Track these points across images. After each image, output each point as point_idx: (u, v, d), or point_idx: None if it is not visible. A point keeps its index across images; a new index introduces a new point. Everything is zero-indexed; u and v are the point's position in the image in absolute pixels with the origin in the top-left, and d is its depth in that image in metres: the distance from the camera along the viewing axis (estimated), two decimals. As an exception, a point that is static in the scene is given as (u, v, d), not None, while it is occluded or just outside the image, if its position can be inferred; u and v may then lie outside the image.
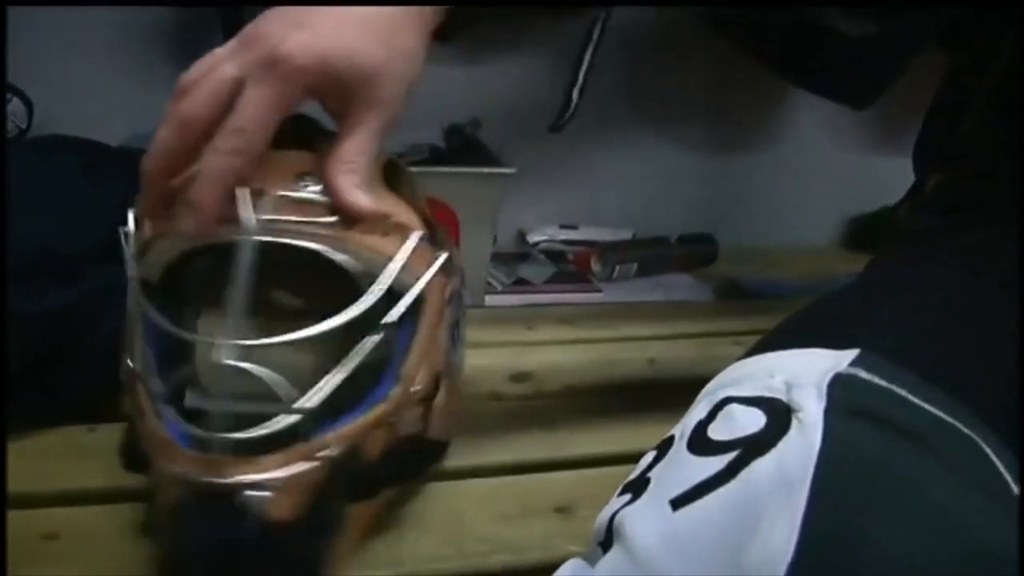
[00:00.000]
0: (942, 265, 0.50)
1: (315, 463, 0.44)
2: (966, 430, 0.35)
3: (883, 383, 0.37)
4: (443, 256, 0.50)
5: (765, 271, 1.17)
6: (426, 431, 0.53)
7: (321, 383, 0.45)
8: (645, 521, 0.36)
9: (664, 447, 0.42)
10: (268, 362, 0.45)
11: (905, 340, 0.41)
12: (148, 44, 1.05)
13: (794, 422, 0.35)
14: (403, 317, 0.47)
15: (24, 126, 0.92)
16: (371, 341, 0.46)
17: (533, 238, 1.14)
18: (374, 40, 0.46)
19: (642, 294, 1.05)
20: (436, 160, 0.96)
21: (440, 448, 0.59)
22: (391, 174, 0.53)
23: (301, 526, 0.44)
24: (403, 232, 0.48)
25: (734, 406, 0.39)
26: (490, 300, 0.94)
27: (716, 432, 0.38)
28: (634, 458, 0.65)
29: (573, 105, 0.80)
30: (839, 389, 0.36)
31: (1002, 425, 0.36)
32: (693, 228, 1.19)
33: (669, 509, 0.36)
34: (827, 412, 0.35)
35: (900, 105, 1.13)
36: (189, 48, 1.07)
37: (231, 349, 0.42)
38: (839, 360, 0.38)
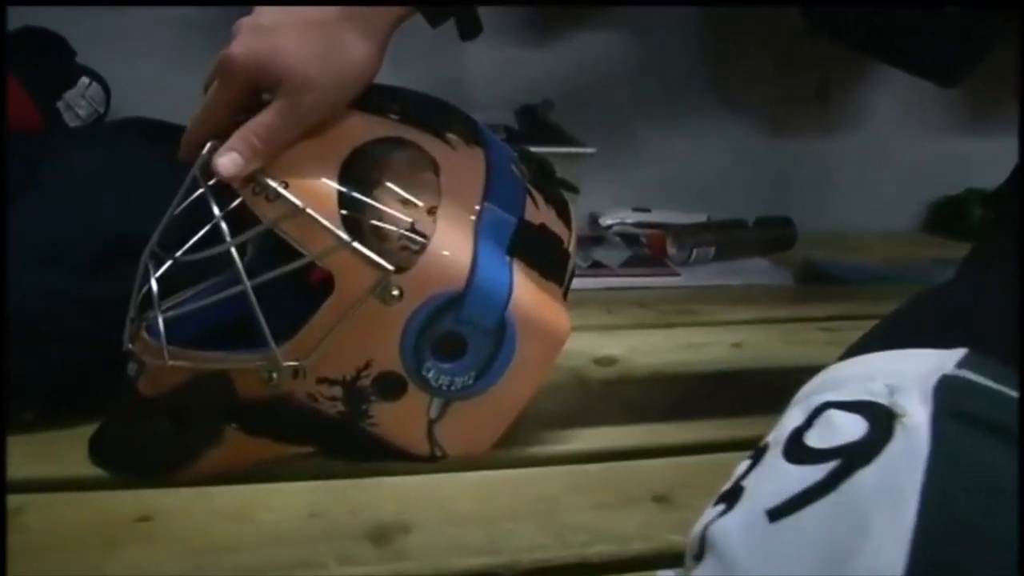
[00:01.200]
0: None
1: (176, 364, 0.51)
2: None
3: (993, 385, 0.34)
4: (366, 251, 0.49)
5: (844, 255, 1.12)
6: (354, 417, 0.54)
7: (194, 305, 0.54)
8: (740, 533, 0.34)
9: (758, 454, 0.39)
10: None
11: (1015, 339, 0.38)
12: (222, 31, 1.05)
13: (898, 428, 0.33)
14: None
15: (102, 110, 0.93)
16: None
17: (606, 221, 1.11)
18: (313, 47, 0.50)
19: (720, 278, 1.01)
20: (511, 141, 0.94)
21: (380, 445, 0.56)
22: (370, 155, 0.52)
23: (160, 406, 0.53)
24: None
25: (832, 412, 0.36)
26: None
27: (814, 439, 0.36)
28: (726, 447, 0.63)
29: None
30: (945, 392, 0.34)
31: None
32: (767, 212, 1.15)
33: (766, 520, 0.33)
34: (934, 417, 0.33)
35: (984, 85, 1.08)
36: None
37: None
38: (944, 361, 0.35)
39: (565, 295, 0.58)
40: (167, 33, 1.03)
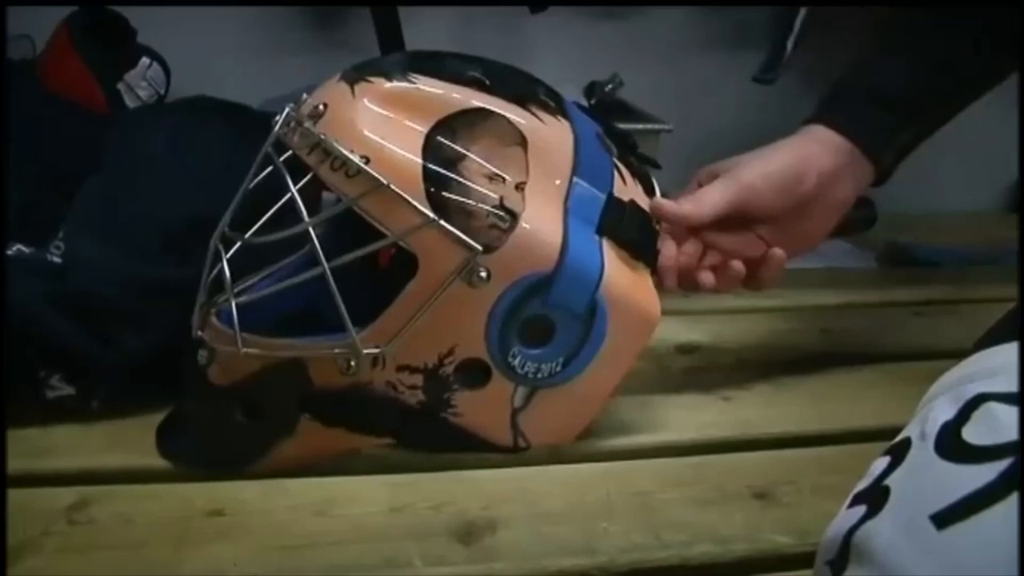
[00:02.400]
0: None
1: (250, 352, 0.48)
2: None
3: None
4: (453, 230, 0.46)
5: (926, 237, 1.06)
6: (436, 407, 0.51)
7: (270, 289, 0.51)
8: (901, 540, 0.30)
9: (900, 451, 0.35)
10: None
11: None
12: (283, 13, 1.03)
13: None
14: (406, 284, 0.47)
15: (163, 91, 0.91)
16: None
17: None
18: None
19: (801, 260, 0.96)
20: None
21: (461, 435, 0.53)
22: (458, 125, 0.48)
23: (232, 396, 0.51)
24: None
25: (993, 404, 0.33)
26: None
27: (974, 435, 0.32)
28: (824, 440, 0.59)
29: (787, 55, 0.72)
30: None
31: None
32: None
33: (932, 527, 0.29)
34: None
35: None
36: (318, 21, 1.04)
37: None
38: None
39: (654, 275, 0.55)
40: (227, 14, 1.02)
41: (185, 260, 0.57)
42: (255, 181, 0.50)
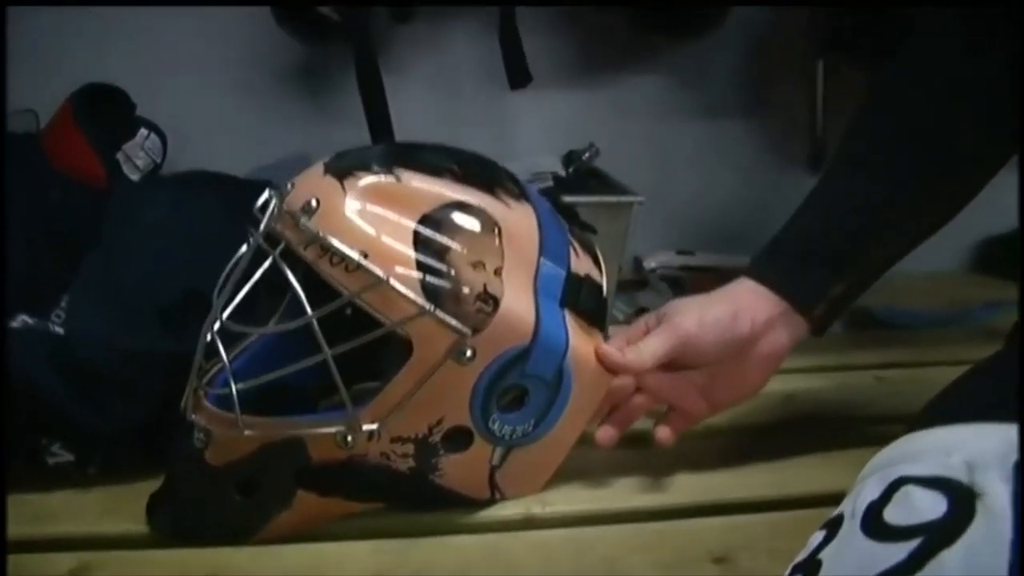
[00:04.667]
0: None
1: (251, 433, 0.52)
2: None
3: None
4: (446, 317, 0.50)
5: (893, 299, 1.11)
6: (424, 472, 0.55)
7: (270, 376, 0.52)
8: None
9: (834, 526, 0.39)
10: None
11: None
12: (272, 84, 1.08)
13: (979, 508, 0.34)
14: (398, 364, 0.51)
15: (159, 160, 0.95)
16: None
17: (650, 264, 1.11)
18: None
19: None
20: (559, 189, 0.95)
21: (445, 494, 0.57)
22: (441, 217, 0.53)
23: (230, 476, 0.54)
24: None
25: (911, 487, 0.37)
26: (613, 331, 0.92)
27: (893, 516, 0.36)
28: (783, 505, 0.62)
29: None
30: None
31: None
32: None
33: None
34: (1016, 499, 0.33)
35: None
36: (306, 90, 1.09)
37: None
38: (1013, 433, 0.35)
39: (605, 339, 0.60)
40: (217, 83, 1.07)
41: (182, 333, 0.61)
42: (240, 270, 0.54)
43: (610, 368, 0.57)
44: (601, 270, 0.61)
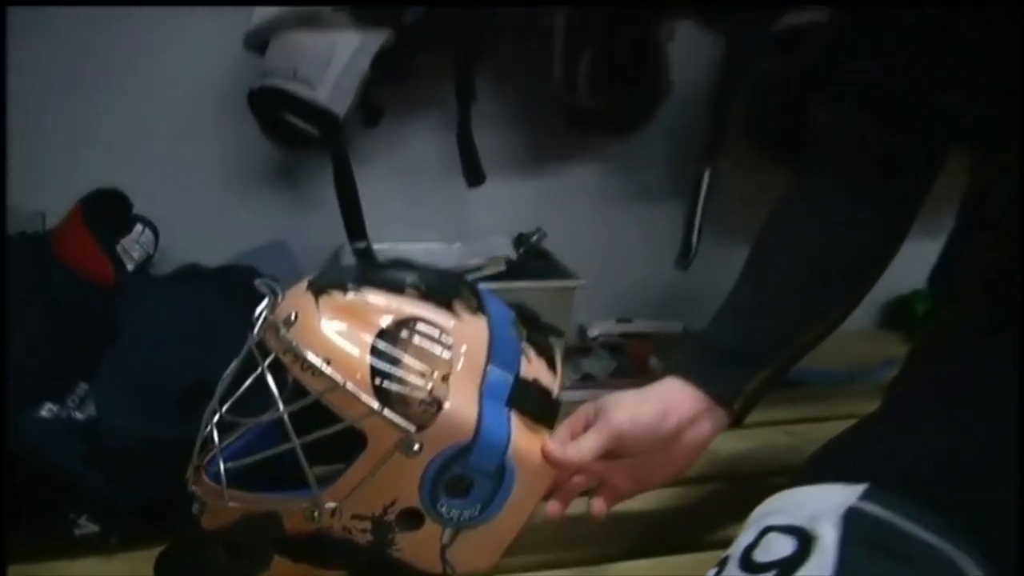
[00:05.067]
0: (953, 399, 0.59)
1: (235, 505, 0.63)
2: (953, 553, 0.45)
3: (886, 514, 0.47)
4: (394, 416, 0.60)
5: (808, 357, 1.25)
6: (382, 545, 0.64)
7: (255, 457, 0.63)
8: None
9: (722, 564, 0.52)
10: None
11: (911, 474, 0.52)
12: (251, 178, 1.20)
13: (815, 549, 0.46)
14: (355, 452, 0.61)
15: (152, 252, 1.05)
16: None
17: (592, 332, 1.24)
18: None
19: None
20: (512, 271, 1.08)
21: (402, 567, 0.66)
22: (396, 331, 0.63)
23: (219, 538, 0.65)
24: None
25: (773, 534, 0.50)
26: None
27: (759, 555, 0.49)
28: (703, 547, 0.75)
29: (694, 248, 0.86)
30: (850, 520, 0.47)
31: (995, 542, 0.46)
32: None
33: None
34: (841, 542, 0.46)
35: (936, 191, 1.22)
36: (282, 181, 1.21)
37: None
38: (852, 494, 0.49)
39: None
40: (205, 178, 1.18)
41: (192, 419, 0.72)
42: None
43: (554, 464, 0.66)
44: (556, 373, 0.70)
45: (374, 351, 0.61)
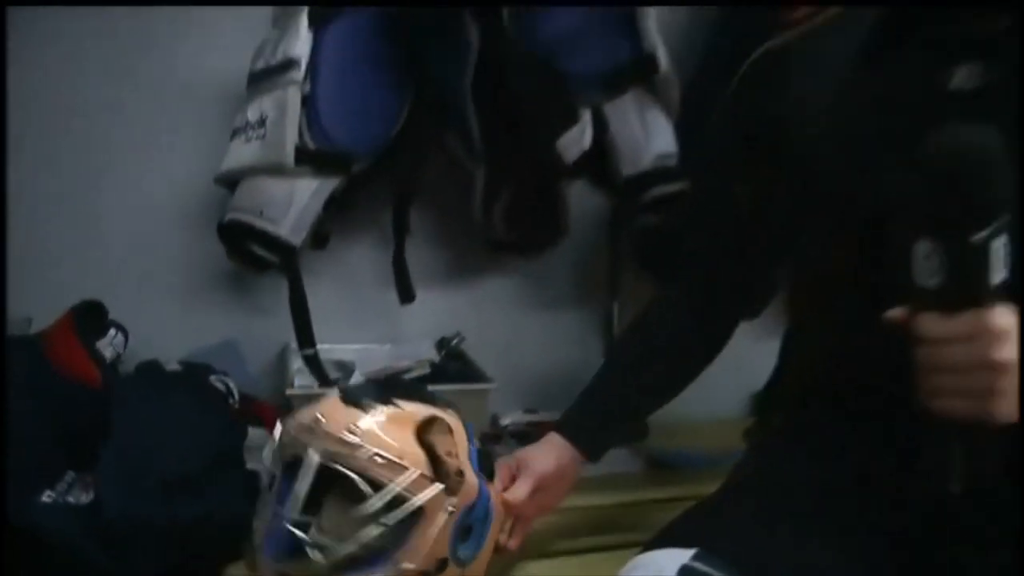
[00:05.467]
0: (769, 486, 0.83)
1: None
2: None
3: (710, 570, 0.69)
4: (439, 487, 0.82)
5: (686, 443, 1.47)
6: None
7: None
8: None
9: None
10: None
11: (732, 541, 0.73)
12: (203, 289, 1.38)
13: None
14: (406, 520, 0.80)
15: (122, 351, 1.22)
16: (373, 531, 0.79)
17: (504, 421, 1.44)
18: None
19: (590, 469, 1.35)
20: (436, 373, 1.28)
21: None
22: (428, 427, 0.85)
23: None
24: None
25: None
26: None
27: None
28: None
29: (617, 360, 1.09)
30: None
31: None
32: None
33: None
34: None
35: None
36: (235, 291, 1.39)
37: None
38: (686, 555, 0.71)
39: None
40: (167, 285, 1.36)
41: (178, 503, 0.90)
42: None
43: (509, 506, 0.91)
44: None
45: (422, 443, 0.83)
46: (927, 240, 0.61)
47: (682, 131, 1.17)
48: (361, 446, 0.80)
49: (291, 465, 0.83)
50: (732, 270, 0.99)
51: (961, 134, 0.61)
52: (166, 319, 1.35)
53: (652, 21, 1.12)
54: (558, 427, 1.01)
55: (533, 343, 1.53)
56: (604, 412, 1.02)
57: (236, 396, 1.22)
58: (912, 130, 0.62)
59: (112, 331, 1.20)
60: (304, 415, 0.83)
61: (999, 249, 0.60)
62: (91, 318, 1.16)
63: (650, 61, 1.11)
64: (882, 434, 0.78)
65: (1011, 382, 0.61)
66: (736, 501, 0.84)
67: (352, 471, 0.79)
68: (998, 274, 0.60)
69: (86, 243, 1.32)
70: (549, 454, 0.98)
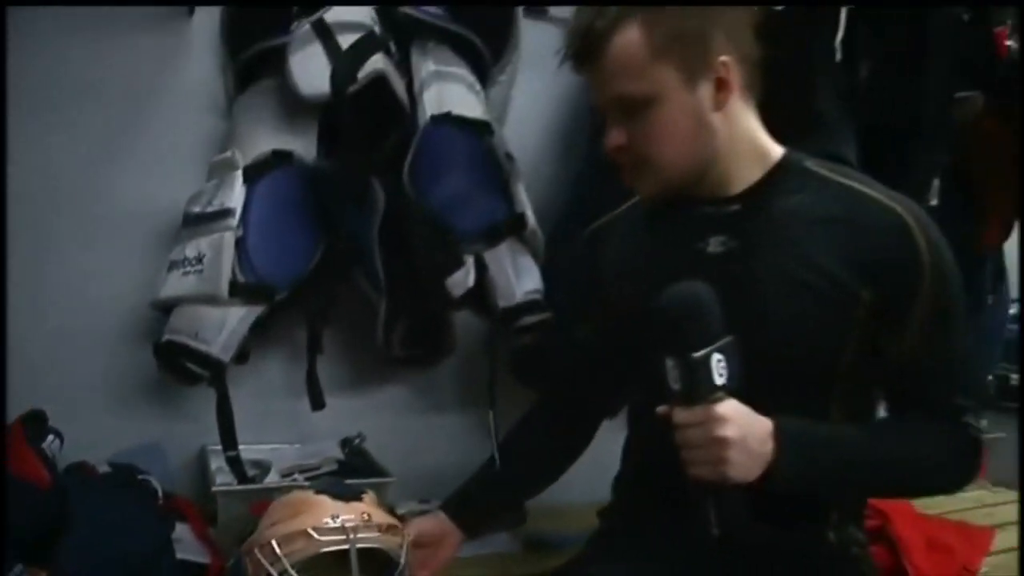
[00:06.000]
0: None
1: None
2: None
3: None
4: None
5: (562, 525, 1.70)
6: None
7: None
8: None
9: None
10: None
11: None
12: (129, 395, 1.55)
13: None
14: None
15: (58, 453, 1.37)
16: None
17: (400, 510, 1.65)
18: None
19: (473, 549, 1.56)
20: (342, 468, 1.49)
21: None
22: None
23: None
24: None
25: None
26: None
27: None
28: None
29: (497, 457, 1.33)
30: None
31: None
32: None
33: None
34: None
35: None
36: (163, 397, 1.57)
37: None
38: None
39: None
40: (99, 397, 1.52)
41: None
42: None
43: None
44: None
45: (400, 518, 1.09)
46: (670, 357, 0.91)
47: (545, 272, 1.47)
48: (397, 526, 1.05)
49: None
50: (584, 385, 1.28)
51: (682, 288, 0.92)
52: (95, 423, 1.51)
53: (521, 188, 1.43)
54: (443, 506, 1.25)
55: (425, 442, 1.76)
56: (483, 496, 1.27)
57: (160, 493, 1.39)
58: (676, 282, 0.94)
59: (51, 436, 1.37)
60: (345, 514, 1.02)
61: (718, 362, 0.90)
62: (35, 424, 1.33)
63: (520, 220, 1.41)
64: (681, 497, 1.02)
65: (736, 453, 0.90)
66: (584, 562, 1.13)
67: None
68: (719, 379, 0.90)
69: (26, 349, 1.43)
70: (433, 519, 1.23)
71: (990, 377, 2.73)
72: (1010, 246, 2.06)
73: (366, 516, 1.03)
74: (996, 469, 2.49)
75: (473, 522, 1.25)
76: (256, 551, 1.02)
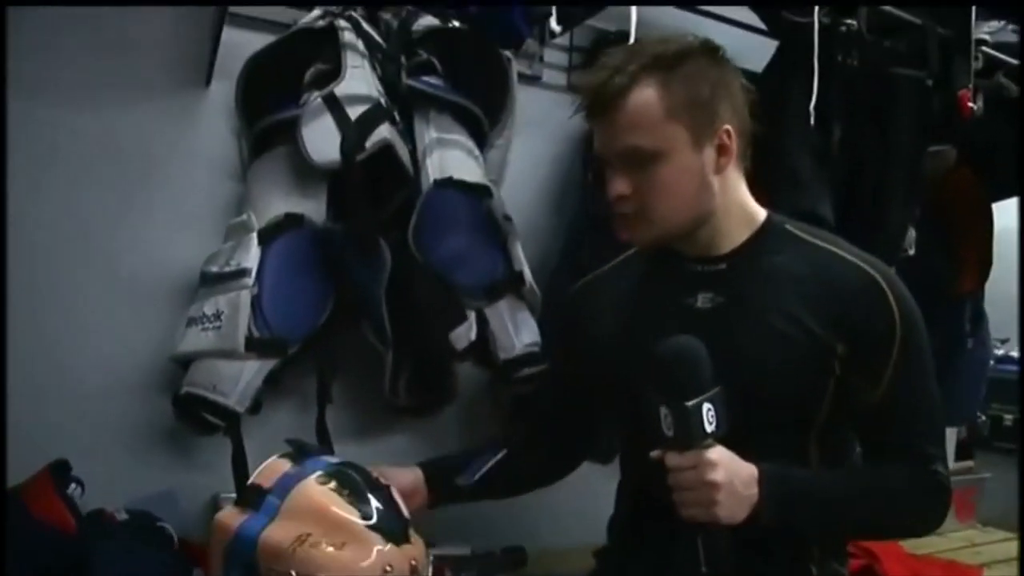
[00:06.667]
0: None
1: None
2: None
3: None
4: None
5: (560, 568, 1.77)
6: None
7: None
8: None
9: None
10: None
11: None
12: (145, 444, 1.61)
13: None
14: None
15: (79, 501, 1.43)
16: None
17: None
18: None
19: (477, 591, 1.63)
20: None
21: None
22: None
23: None
24: None
25: None
26: None
27: None
28: None
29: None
30: None
31: None
32: (509, 542, 1.80)
33: None
34: None
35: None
36: (177, 447, 1.64)
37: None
38: None
39: None
40: (118, 446, 1.59)
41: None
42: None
43: None
44: None
45: None
46: (663, 406, 0.99)
47: (543, 326, 1.56)
48: None
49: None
50: (562, 422, 1.39)
51: (678, 341, 1.01)
52: (111, 471, 1.57)
53: (519, 247, 1.53)
54: (422, 464, 1.31)
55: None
56: (457, 471, 1.31)
57: (176, 540, 1.46)
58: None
59: (73, 484, 1.43)
60: (396, 562, 1.04)
61: (708, 411, 0.98)
62: (60, 472, 1.40)
63: (519, 277, 1.51)
64: (670, 537, 1.10)
65: (724, 495, 0.98)
66: None
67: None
68: (709, 426, 0.98)
69: (48, 401, 1.52)
70: (411, 475, 1.28)
71: (983, 418, 2.81)
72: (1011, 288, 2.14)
73: (414, 562, 1.04)
74: (985, 508, 2.56)
75: (442, 487, 1.30)
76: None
